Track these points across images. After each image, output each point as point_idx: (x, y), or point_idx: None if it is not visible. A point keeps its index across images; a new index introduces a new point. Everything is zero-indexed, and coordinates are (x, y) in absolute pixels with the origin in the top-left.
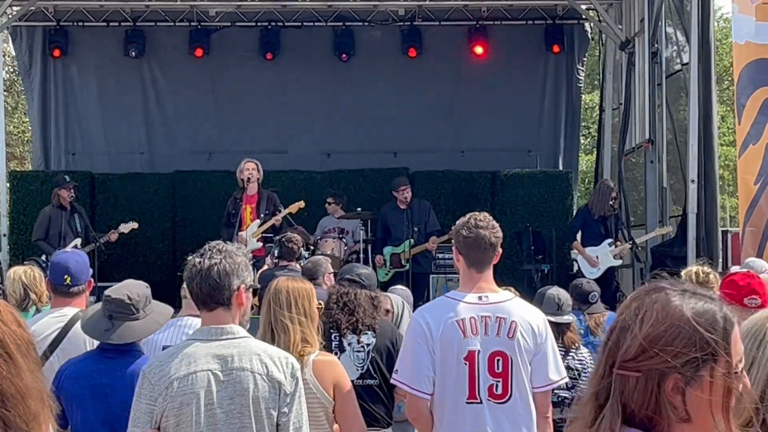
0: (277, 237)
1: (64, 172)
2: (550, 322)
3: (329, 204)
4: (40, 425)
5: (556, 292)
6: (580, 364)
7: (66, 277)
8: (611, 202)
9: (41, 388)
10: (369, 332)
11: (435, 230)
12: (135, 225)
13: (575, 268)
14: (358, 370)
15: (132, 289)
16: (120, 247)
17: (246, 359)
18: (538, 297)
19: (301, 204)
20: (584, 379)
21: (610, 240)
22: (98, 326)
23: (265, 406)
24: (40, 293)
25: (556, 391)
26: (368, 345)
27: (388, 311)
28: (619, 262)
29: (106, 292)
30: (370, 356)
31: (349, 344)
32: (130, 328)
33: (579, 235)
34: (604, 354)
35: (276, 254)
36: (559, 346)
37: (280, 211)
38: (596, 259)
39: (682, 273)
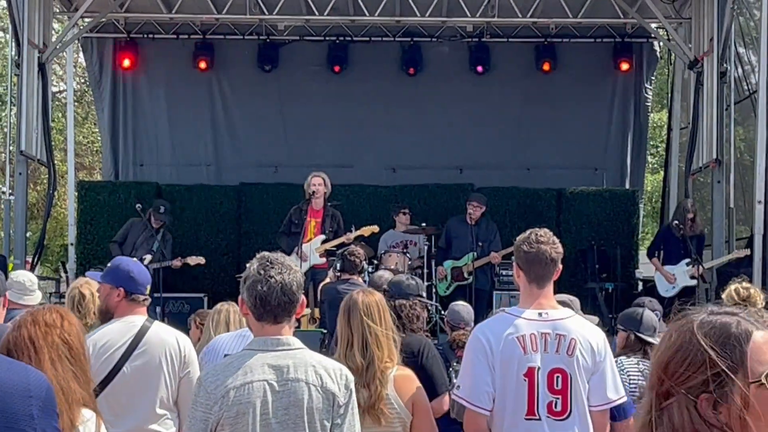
0: (339, 251)
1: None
2: (648, 343)
3: (404, 214)
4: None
5: (641, 311)
6: None
7: (148, 287)
8: (682, 223)
9: (66, 387)
10: None
11: (495, 251)
12: (202, 261)
13: (639, 287)
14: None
15: None
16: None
17: (301, 370)
18: (633, 316)
19: (375, 228)
20: None
21: (688, 260)
22: None
23: (319, 417)
24: (86, 311)
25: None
26: None
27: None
28: (695, 282)
29: None
30: None
31: None
32: None
33: (662, 254)
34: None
35: (338, 267)
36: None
37: (351, 231)
38: (673, 276)
39: (723, 295)
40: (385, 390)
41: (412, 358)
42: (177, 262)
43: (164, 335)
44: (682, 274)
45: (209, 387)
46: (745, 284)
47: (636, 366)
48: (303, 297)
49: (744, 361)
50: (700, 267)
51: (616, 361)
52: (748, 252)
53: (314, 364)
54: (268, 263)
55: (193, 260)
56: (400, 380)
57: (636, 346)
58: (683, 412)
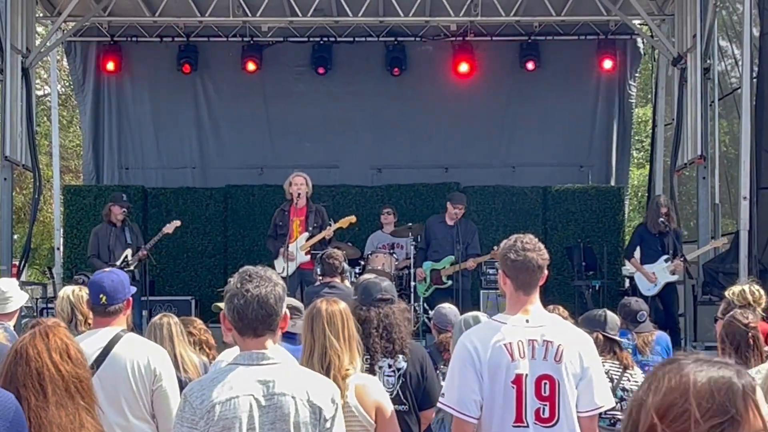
0: (319, 254)
1: (118, 186)
2: (605, 337)
3: (388, 214)
4: None
5: (603, 311)
6: (635, 385)
7: (102, 296)
8: (662, 219)
9: (68, 426)
10: (401, 356)
11: (474, 253)
12: (178, 223)
13: (626, 284)
14: (387, 393)
15: None
16: (171, 261)
17: (287, 384)
18: (596, 318)
19: (352, 219)
20: None
21: (666, 256)
22: None
23: (305, 431)
24: (87, 314)
25: (610, 413)
26: (399, 369)
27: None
28: (675, 278)
29: None
30: (400, 381)
31: (380, 368)
32: None
33: (638, 253)
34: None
35: (319, 272)
36: (616, 365)
37: (330, 225)
38: (653, 275)
39: (727, 293)
40: (344, 399)
41: (418, 366)
42: (166, 230)
43: (133, 349)
44: (662, 271)
45: (194, 402)
46: (755, 286)
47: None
48: (286, 311)
49: (747, 414)
50: (683, 260)
51: None
52: (725, 241)
53: (300, 378)
54: (247, 277)
55: (170, 227)
56: (362, 388)
57: (605, 346)
58: None
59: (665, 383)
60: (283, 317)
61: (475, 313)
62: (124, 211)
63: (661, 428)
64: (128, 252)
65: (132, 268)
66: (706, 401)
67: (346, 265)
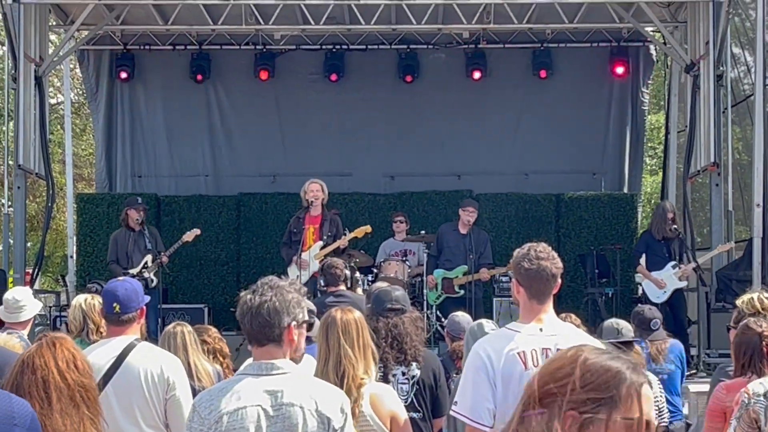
0: (320, 264)
1: (131, 194)
2: (614, 344)
3: (400, 222)
4: None
5: (615, 320)
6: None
7: (115, 305)
8: (674, 225)
9: None
10: (414, 363)
11: (486, 263)
12: (197, 231)
13: (639, 291)
14: (401, 402)
15: None
16: (185, 269)
17: (295, 394)
18: (598, 330)
19: (368, 228)
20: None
21: (673, 262)
22: None
23: None
24: (99, 322)
25: None
26: (413, 377)
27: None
28: (684, 284)
29: None
30: (414, 388)
31: (394, 375)
32: None
33: (644, 260)
34: (519, 402)
35: (322, 283)
36: None
37: (345, 234)
38: (662, 281)
39: (738, 302)
40: (359, 408)
41: (431, 374)
42: (186, 238)
43: (147, 358)
44: (670, 278)
45: (203, 412)
46: (766, 294)
47: None
48: (290, 324)
49: (626, 401)
50: (696, 267)
51: None
52: (732, 245)
53: (309, 388)
54: (256, 287)
55: (190, 235)
56: (376, 397)
57: None
58: (544, 422)
59: (561, 354)
60: (288, 330)
61: (480, 321)
62: (141, 215)
63: (549, 387)
64: (148, 258)
65: (151, 274)
66: (591, 374)
67: (348, 272)
